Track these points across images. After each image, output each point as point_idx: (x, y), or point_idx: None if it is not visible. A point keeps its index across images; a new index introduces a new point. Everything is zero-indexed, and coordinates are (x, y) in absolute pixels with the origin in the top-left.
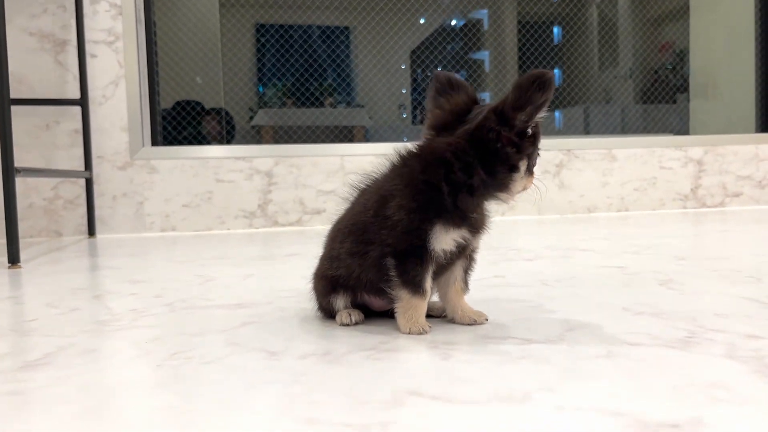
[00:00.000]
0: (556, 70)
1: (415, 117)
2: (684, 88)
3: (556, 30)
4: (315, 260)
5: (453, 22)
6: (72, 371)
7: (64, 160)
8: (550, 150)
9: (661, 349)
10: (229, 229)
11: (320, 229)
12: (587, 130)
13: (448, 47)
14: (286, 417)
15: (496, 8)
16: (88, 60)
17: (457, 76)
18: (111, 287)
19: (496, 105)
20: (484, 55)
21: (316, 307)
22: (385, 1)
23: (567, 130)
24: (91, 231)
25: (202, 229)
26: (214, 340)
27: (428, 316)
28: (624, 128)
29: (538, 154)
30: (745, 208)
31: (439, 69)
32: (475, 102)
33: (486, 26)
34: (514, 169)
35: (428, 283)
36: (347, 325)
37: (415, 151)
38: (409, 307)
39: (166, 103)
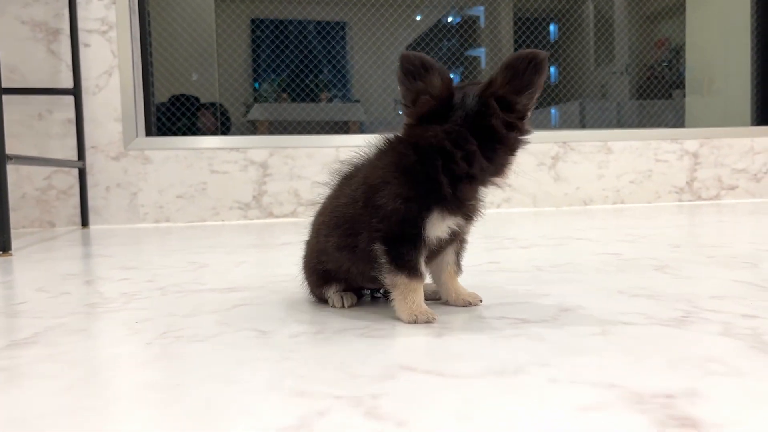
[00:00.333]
0: (552, 68)
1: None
2: (679, 83)
3: (552, 27)
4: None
5: (449, 19)
6: (60, 349)
7: (57, 150)
8: (546, 142)
9: (656, 328)
10: (223, 220)
11: None
12: (583, 125)
13: (445, 44)
14: (276, 390)
15: (492, 5)
16: (82, 49)
17: (428, 57)
18: (102, 273)
19: (489, 89)
20: (481, 52)
21: (309, 290)
22: None
23: (563, 126)
24: (84, 222)
25: (196, 220)
26: (204, 320)
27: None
28: (620, 124)
29: None
30: (741, 200)
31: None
32: (450, 86)
33: (482, 23)
34: (512, 152)
35: (423, 265)
36: (339, 308)
37: (406, 138)
38: (408, 291)
39: (162, 96)
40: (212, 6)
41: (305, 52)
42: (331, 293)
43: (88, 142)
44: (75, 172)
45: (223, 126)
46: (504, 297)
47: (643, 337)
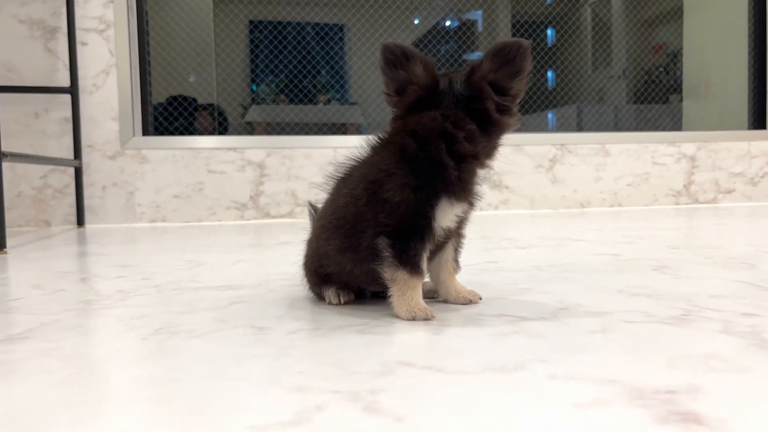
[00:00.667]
0: (549, 72)
1: None
2: (677, 88)
3: (549, 31)
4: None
5: (447, 23)
6: (55, 344)
7: (53, 149)
8: (543, 145)
9: (656, 325)
10: (220, 220)
11: None
12: (580, 129)
13: (442, 48)
14: (274, 386)
15: (490, 9)
16: (79, 48)
17: (409, 46)
18: (98, 271)
19: (478, 74)
20: (478, 56)
21: (308, 288)
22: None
23: (560, 129)
24: (80, 221)
25: (193, 220)
26: (201, 317)
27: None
28: (617, 128)
29: None
30: (737, 204)
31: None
32: (434, 74)
33: (480, 27)
34: (503, 134)
35: (425, 262)
36: (336, 304)
37: (402, 128)
38: (407, 288)
39: (159, 96)
40: (210, 7)
41: (303, 54)
42: (329, 291)
43: (84, 141)
44: (71, 171)
45: (221, 127)
46: (503, 295)
47: (643, 335)
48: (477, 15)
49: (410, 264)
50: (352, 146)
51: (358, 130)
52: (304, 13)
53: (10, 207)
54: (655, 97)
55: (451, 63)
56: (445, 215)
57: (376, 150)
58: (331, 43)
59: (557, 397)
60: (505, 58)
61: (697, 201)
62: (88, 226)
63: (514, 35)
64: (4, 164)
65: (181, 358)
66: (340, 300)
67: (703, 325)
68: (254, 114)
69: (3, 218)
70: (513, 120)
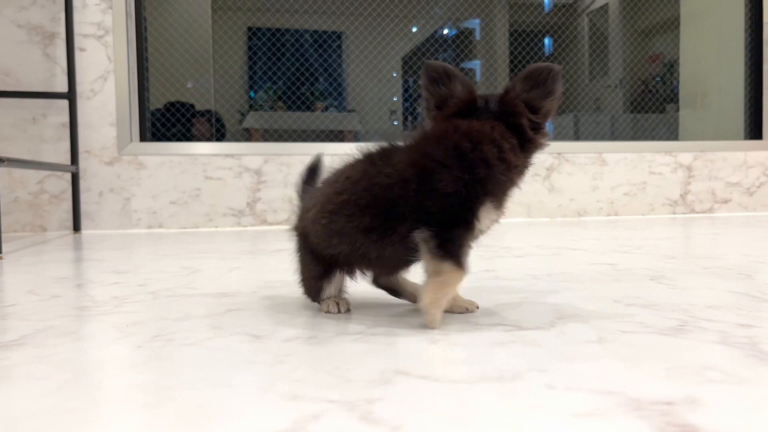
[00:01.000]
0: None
1: (406, 124)
2: (673, 97)
3: (547, 40)
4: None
5: (445, 31)
6: (49, 351)
7: (50, 154)
8: (540, 153)
9: (653, 336)
10: (216, 227)
11: None
12: (577, 138)
13: (440, 56)
14: (269, 394)
15: (487, 18)
16: (77, 53)
17: (451, 66)
18: (94, 277)
19: (512, 93)
20: (476, 65)
21: (303, 288)
22: (378, 8)
23: (557, 138)
24: (77, 226)
25: (190, 226)
26: (196, 324)
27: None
28: (614, 137)
29: None
30: (734, 214)
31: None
32: (473, 91)
33: (478, 36)
34: (535, 152)
35: (468, 258)
36: (335, 313)
37: (451, 129)
38: (447, 283)
39: (158, 103)
40: (209, 13)
41: (301, 61)
42: (331, 293)
43: (81, 147)
44: (68, 176)
45: (218, 133)
46: (500, 304)
47: (640, 345)
48: (475, 24)
49: (456, 256)
50: (350, 153)
51: (355, 137)
52: (303, 21)
53: (6, 212)
54: (651, 107)
55: None
56: (487, 216)
57: (421, 142)
58: (329, 51)
59: (555, 407)
60: (537, 80)
61: (693, 210)
62: (85, 231)
63: (511, 44)
64: (1, 169)
65: (176, 365)
66: (339, 309)
67: (700, 336)
68: (252, 120)
69: None
70: (545, 139)
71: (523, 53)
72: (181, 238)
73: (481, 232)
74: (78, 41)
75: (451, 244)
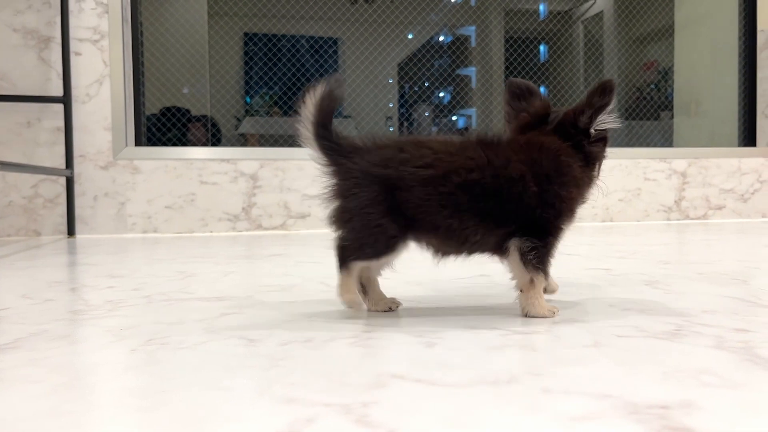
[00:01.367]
0: (542, 88)
1: (402, 131)
2: (668, 105)
3: (542, 47)
4: (299, 259)
5: (441, 38)
6: (43, 354)
7: (45, 158)
8: None
9: (649, 340)
10: (211, 231)
11: (305, 234)
12: None
13: (436, 62)
14: (264, 397)
15: (483, 25)
16: (73, 58)
17: (531, 83)
18: (88, 281)
19: (575, 111)
20: (471, 71)
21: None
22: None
23: None
24: (71, 231)
25: (185, 231)
26: (191, 328)
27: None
28: (609, 143)
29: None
30: (728, 220)
31: (513, 77)
32: (548, 107)
33: (473, 43)
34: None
35: None
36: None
37: (542, 139)
38: (540, 290)
39: (154, 108)
40: (205, 19)
41: (297, 67)
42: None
43: (76, 151)
44: (62, 180)
45: (214, 138)
46: (495, 308)
47: (636, 349)
48: (470, 30)
49: (547, 268)
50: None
51: None
52: (299, 27)
53: (0, 216)
54: (646, 114)
55: (444, 77)
56: (567, 231)
57: (526, 149)
58: (325, 57)
59: (552, 411)
60: (588, 94)
61: (687, 217)
62: (79, 236)
63: (507, 51)
64: None
65: (170, 369)
66: (373, 308)
67: (696, 340)
68: (248, 126)
69: None
70: (604, 155)
71: (519, 60)
72: (175, 243)
73: None
74: (74, 45)
75: (547, 260)
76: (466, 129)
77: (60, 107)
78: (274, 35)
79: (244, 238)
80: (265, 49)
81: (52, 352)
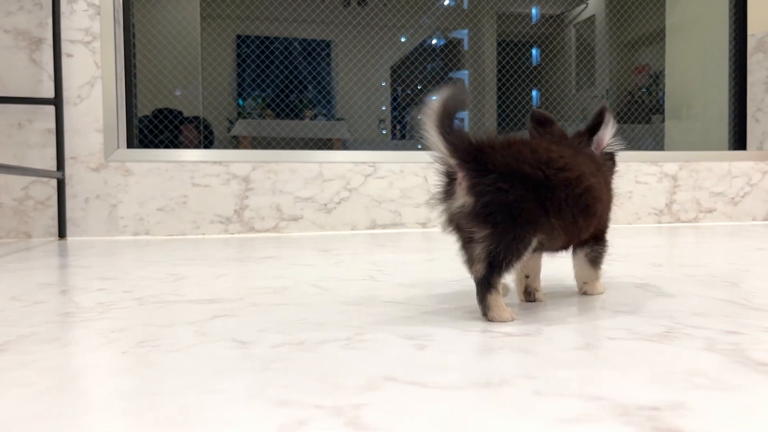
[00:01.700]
0: (534, 91)
1: (394, 133)
2: (659, 108)
3: (534, 51)
4: (292, 262)
5: (433, 41)
6: (33, 357)
7: (36, 160)
8: None
9: (639, 342)
10: (204, 234)
11: (297, 236)
12: None
13: (429, 66)
14: (257, 399)
15: (476, 29)
16: (64, 59)
17: (549, 114)
18: (79, 284)
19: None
20: (464, 75)
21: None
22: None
23: None
24: (62, 233)
25: (177, 233)
26: (182, 330)
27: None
28: None
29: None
30: (718, 223)
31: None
32: (564, 132)
33: (466, 46)
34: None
35: None
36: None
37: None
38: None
39: (146, 109)
40: (198, 21)
41: (290, 69)
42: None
43: (68, 153)
44: (53, 182)
45: (206, 140)
46: None
47: (627, 351)
48: (463, 34)
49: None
50: (338, 161)
51: (344, 145)
52: (292, 29)
53: None
54: (637, 117)
55: (437, 80)
56: None
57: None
58: (318, 59)
59: (543, 413)
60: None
61: (678, 220)
62: (70, 238)
63: (499, 54)
64: None
65: (161, 372)
66: (509, 317)
67: (687, 343)
68: (240, 128)
69: None
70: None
71: (511, 63)
72: (167, 245)
73: None
74: (65, 47)
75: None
76: None
77: (51, 109)
78: (267, 38)
79: (236, 241)
80: (257, 52)
81: (42, 355)
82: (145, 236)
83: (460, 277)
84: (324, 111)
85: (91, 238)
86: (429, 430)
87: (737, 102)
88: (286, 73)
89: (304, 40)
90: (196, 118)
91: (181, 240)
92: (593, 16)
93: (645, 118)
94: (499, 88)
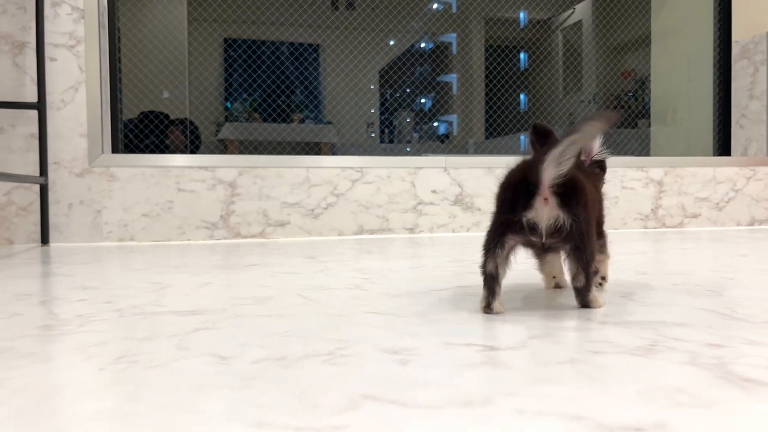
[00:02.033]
0: (521, 95)
1: (383, 138)
2: (645, 113)
3: (522, 55)
4: (277, 269)
5: (422, 45)
6: (6, 374)
7: (18, 165)
8: None
9: (623, 357)
10: (189, 239)
11: (283, 242)
12: None
13: (417, 69)
14: (234, 421)
15: (464, 33)
16: (48, 63)
17: (549, 126)
18: (59, 293)
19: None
20: (452, 78)
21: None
22: (355, 21)
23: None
24: (45, 239)
25: (162, 239)
26: (163, 345)
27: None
28: None
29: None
30: (703, 228)
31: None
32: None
33: (454, 50)
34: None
35: None
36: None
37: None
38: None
39: (131, 113)
40: (185, 24)
41: (278, 73)
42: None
43: (51, 158)
44: (36, 188)
45: (193, 144)
46: (471, 322)
47: (610, 366)
48: (451, 38)
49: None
50: (325, 166)
51: (332, 149)
52: (280, 33)
53: None
54: (624, 122)
55: (426, 84)
56: None
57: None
58: (306, 63)
59: None
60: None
61: (664, 225)
62: (53, 244)
63: (487, 59)
64: None
65: (139, 390)
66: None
67: (670, 356)
68: (228, 132)
69: None
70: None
71: (499, 67)
72: (152, 252)
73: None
74: (49, 51)
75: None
76: (447, 136)
77: (34, 113)
78: (255, 41)
79: (222, 247)
80: (245, 55)
81: (15, 372)
82: (130, 242)
83: (445, 286)
84: (312, 114)
85: (74, 245)
86: None
87: (722, 108)
88: (274, 77)
89: (292, 43)
90: (183, 121)
91: (166, 246)
92: (580, 21)
93: (631, 123)
94: (487, 92)
